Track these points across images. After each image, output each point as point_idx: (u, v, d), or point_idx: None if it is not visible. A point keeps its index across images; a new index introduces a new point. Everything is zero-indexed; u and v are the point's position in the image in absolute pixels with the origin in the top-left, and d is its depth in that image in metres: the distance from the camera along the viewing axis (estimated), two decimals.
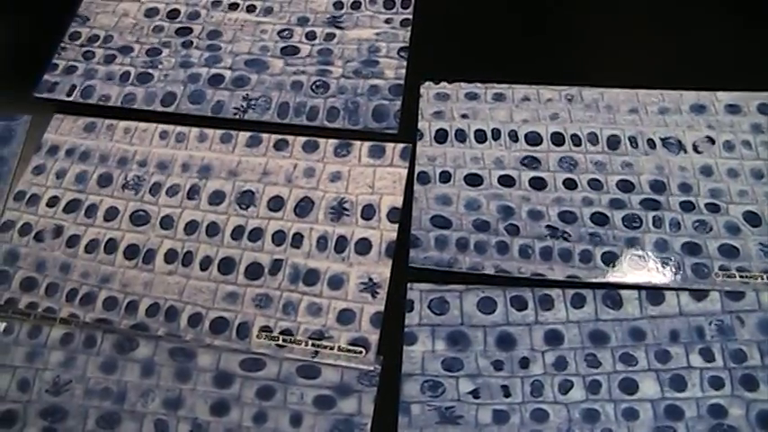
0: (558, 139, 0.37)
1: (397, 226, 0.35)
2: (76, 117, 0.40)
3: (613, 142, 0.37)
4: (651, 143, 0.37)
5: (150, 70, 0.41)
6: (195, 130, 0.39)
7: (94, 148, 0.39)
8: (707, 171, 0.36)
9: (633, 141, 0.37)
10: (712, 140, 0.37)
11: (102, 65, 0.42)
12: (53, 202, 0.37)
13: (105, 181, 0.38)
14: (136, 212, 0.36)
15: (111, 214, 0.36)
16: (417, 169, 0.36)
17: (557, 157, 0.37)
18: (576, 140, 0.37)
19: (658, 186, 0.36)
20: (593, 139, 0.37)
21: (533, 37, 0.42)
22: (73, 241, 0.36)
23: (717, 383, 0.31)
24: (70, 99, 0.41)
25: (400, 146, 0.37)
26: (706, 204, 0.35)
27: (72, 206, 0.37)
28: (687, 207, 0.35)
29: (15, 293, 0.34)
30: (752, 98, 0.38)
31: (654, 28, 0.42)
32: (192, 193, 0.37)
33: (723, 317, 0.32)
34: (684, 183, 0.36)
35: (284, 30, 0.42)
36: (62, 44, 0.43)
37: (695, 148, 0.37)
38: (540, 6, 0.43)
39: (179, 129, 0.39)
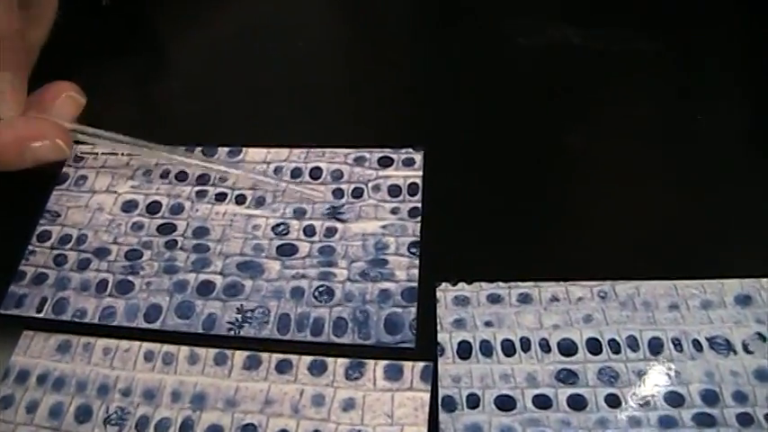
0: (594, 346, 0.36)
1: None
2: (48, 334, 0.38)
3: (656, 346, 0.36)
4: (697, 345, 0.35)
5: (130, 277, 0.39)
6: (185, 350, 0.37)
7: (70, 374, 0.36)
8: (762, 375, 0.35)
9: (677, 344, 0.36)
10: (763, 337, 0.36)
11: (75, 271, 0.40)
12: None
13: (84, 415, 0.35)
14: None
15: None
16: (441, 393, 0.34)
17: (595, 368, 0.35)
18: (615, 346, 0.36)
19: (710, 397, 0.34)
20: (633, 343, 0.36)
21: (556, 225, 0.40)
22: None
23: None
24: (41, 315, 0.38)
25: (420, 365, 0.35)
26: (766, 416, 0.33)
27: None
28: (745, 421, 0.33)
29: None
30: None
31: (684, 207, 0.41)
32: (185, 427, 0.34)
33: None
34: (739, 391, 0.34)
35: (279, 224, 0.40)
36: (30, 247, 0.41)
37: (746, 348, 0.35)
38: (561, 192, 0.42)
39: (166, 348, 0.37)
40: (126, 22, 0.53)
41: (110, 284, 0.39)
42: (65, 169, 0.44)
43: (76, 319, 0.38)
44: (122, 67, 0.51)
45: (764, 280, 0.37)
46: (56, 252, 0.41)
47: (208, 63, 0.51)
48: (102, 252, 0.40)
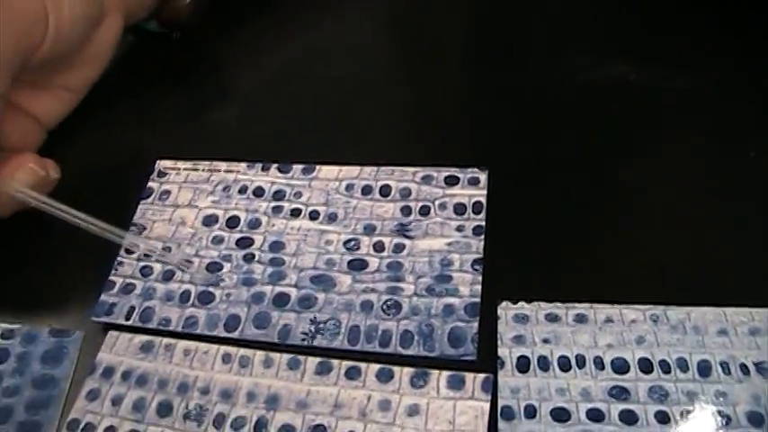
0: (646, 365, 0.38)
1: None
2: (132, 335, 0.41)
3: (704, 368, 0.38)
4: (744, 369, 0.38)
5: (211, 288, 0.42)
6: (260, 354, 0.40)
7: (153, 372, 0.40)
8: None
9: (725, 367, 0.38)
10: None
11: (160, 282, 0.43)
12: None
13: (165, 410, 0.39)
14: None
15: None
16: (500, 403, 0.37)
17: (646, 386, 0.37)
18: (665, 367, 0.38)
19: (756, 419, 0.36)
20: (683, 365, 0.38)
21: (612, 250, 0.43)
22: None
23: None
24: (129, 323, 0.42)
25: (481, 377, 0.38)
26: None
27: None
28: None
29: None
30: None
31: (733, 239, 0.43)
32: (260, 426, 0.38)
33: None
34: None
35: (350, 240, 0.44)
36: (119, 258, 0.44)
37: None
38: (616, 220, 0.45)
39: (242, 352, 0.40)
40: (194, 53, 0.58)
41: (192, 295, 0.43)
42: (150, 184, 0.48)
43: (162, 327, 0.42)
44: (191, 94, 0.56)
45: None
46: (142, 264, 0.44)
47: (276, 88, 0.55)
48: (184, 264, 0.44)
